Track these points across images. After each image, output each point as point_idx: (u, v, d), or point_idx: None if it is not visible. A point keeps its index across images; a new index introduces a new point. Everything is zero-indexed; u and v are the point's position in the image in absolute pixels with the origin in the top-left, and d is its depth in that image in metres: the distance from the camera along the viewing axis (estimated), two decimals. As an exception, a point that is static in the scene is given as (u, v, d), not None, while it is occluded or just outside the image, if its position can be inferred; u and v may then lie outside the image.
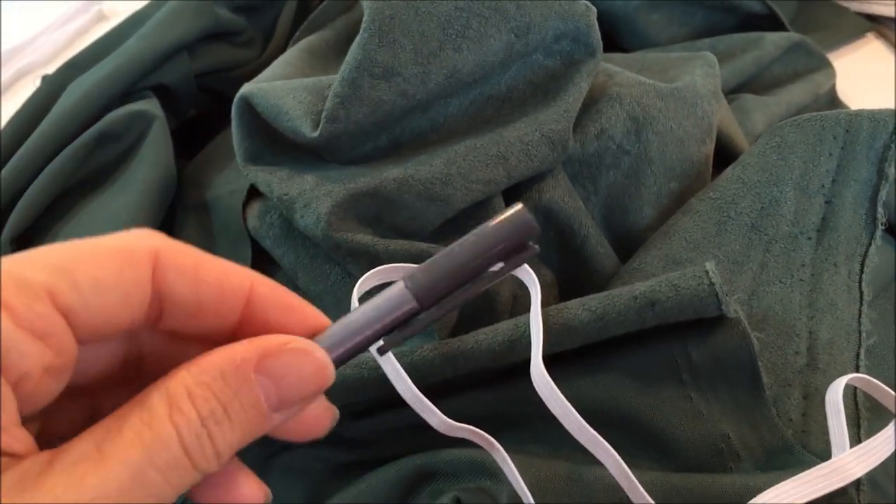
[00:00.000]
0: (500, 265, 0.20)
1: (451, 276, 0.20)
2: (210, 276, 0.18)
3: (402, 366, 0.23)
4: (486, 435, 0.23)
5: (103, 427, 0.16)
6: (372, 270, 0.23)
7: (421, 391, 0.23)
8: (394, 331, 0.20)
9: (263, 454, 0.31)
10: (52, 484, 0.14)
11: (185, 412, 0.16)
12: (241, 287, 0.18)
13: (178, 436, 0.15)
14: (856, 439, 0.27)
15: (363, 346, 0.20)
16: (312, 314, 0.20)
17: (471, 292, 0.20)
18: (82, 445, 0.15)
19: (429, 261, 0.20)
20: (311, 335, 0.19)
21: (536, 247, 0.21)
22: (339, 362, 0.19)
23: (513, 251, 0.20)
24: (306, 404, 0.18)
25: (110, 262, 0.17)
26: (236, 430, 0.16)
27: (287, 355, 0.17)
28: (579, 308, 0.26)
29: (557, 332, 0.26)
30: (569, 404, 0.23)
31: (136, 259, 0.17)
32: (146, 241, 0.17)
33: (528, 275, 0.23)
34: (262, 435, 0.17)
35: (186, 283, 0.18)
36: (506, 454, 0.23)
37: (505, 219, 0.20)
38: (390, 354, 0.22)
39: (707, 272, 0.25)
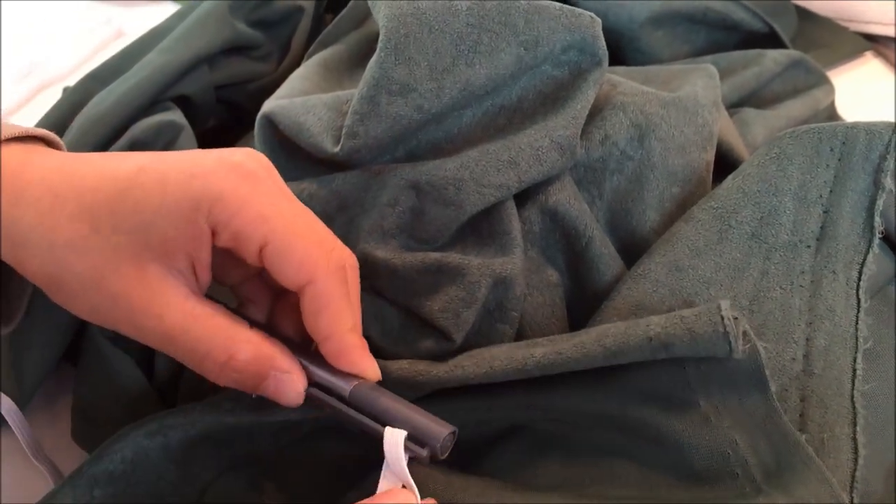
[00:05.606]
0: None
1: (375, 408, 0.27)
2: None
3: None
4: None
5: None
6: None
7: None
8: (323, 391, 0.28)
9: (277, 444, 0.32)
10: None
11: None
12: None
13: None
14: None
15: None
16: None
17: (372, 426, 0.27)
18: None
19: (380, 391, 0.27)
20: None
21: (425, 454, 0.25)
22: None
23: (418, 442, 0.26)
24: None
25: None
26: None
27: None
28: (595, 344, 0.27)
29: (570, 359, 0.27)
30: None
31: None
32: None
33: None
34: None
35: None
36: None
37: (428, 424, 0.26)
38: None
39: (723, 319, 0.25)
